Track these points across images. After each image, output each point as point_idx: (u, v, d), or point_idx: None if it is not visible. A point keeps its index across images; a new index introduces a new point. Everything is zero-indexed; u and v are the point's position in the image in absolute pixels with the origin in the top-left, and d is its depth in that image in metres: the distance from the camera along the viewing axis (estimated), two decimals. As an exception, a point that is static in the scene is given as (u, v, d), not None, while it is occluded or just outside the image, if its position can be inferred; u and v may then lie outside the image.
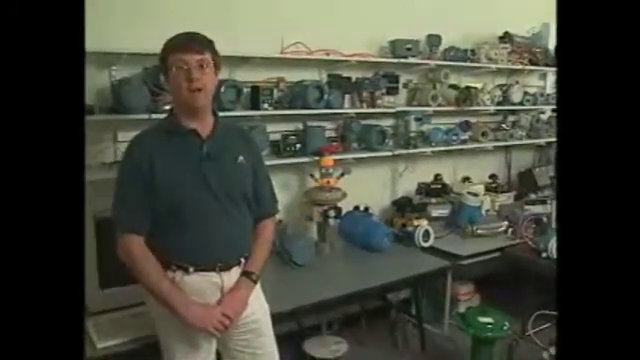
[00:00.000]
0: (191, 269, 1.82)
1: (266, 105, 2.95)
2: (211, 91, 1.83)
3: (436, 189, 3.72)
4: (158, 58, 1.82)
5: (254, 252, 1.96)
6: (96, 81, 2.59)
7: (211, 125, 1.87)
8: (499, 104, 4.00)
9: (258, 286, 1.98)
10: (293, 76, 3.17)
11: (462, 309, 3.62)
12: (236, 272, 1.90)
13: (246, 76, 2.97)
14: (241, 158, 1.91)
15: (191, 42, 1.76)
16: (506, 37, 4.06)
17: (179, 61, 1.73)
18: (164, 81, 1.85)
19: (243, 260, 1.93)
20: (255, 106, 2.94)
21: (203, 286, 1.84)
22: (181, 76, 1.74)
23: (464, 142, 3.86)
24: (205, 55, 1.76)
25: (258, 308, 1.98)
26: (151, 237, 1.82)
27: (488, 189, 4.10)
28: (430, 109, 3.60)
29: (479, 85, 3.92)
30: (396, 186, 3.85)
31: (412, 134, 3.59)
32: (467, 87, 3.80)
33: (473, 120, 4.01)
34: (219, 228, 1.85)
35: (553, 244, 3.00)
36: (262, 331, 1.99)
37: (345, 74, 3.37)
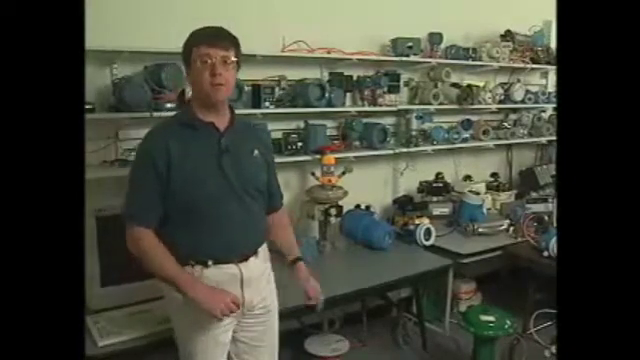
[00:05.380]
0: (210, 262, 1.84)
1: (267, 103, 2.95)
2: (232, 87, 1.87)
3: (437, 187, 3.71)
4: (182, 48, 1.83)
5: (286, 239, 2.15)
6: (97, 79, 2.59)
7: (228, 120, 1.90)
8: (501, 102, 3.99)
9: (273, 280, 2.06)
10: (294, 74, 3.16)
11: (463, 307, 3.63)
12: (253, 262, 1.93)
13: (247, 74, 2.96)
14: (256, 152, 1.95)
15: (218, 37, 1.79)
16: (508, 35, 4.05)
17: (204, 55, 1.75)
18: (185, 72, 1.85)
19: (260, 250, 1.97)
20: (256, 104, 2.93)
21: (223, 278, 1.85)
22: (205, 70, 1.75)
23: (465, 140, 3.85)
24: (230, 52, 1.79)
25: (272, 300, 2.04)
26: (168, 233, 1.82)
27: (489, 187, 4.10)
28: (431, 107, 3.60)
29: (481, 83, 3.91)
30: (397, 184, 3.84)
31: (413, 132, 3.59)
32: (469, 85, 3.79)
33: (474, 118, 4.00)
34: (237, 220, 1.87)
35: (554, 243, 2.99)
36: (271, 323, 2.05)
37: (346, 72, 3.36)
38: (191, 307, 1.80)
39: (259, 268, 1.96)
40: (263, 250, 2.00)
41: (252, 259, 1.92)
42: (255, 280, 1.93)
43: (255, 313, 1.96)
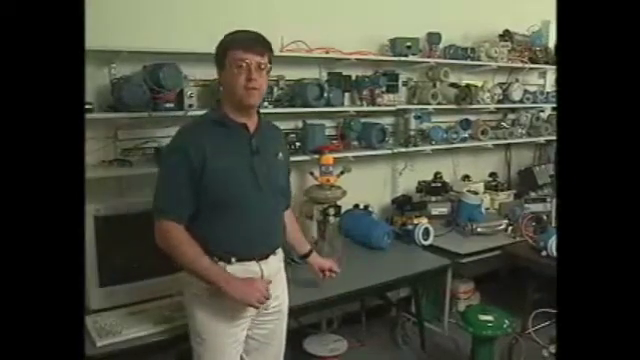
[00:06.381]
0: (233, 259, 1.87)
1: (266, 103, 2.94)
2: (265, 91, 1.91)
3: (436, 187, 3.71)
4: (215, 50, 1.86)
5: (298, 235, 2.31)
6: (96, 79, 2.58)
7: (256, 122, 1.93)
8: (499, 102, 3.99)
9: (285, 279, 2.10)
10: (293, 74, 3.16)
11: (462, 307, 3.64)
12: (272, 260, 1.98)
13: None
14: (280, 155, 2.02)
15: (255, 42, 1.81)
16: (506, 35, 4.05)
17: (240, 60, 1.78)
18: (217, 74, 1.89)
19: (278, 250, 2.02)
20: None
21: (244, 276, 1.88)
22: (240, 74, 1.79)
23: (464, 140, 3.85)
24: (265, 57, 1.82)
25: (284, 299, 2.08)
26: (194, 228, 1.85)
27: (488, 187, 4.11)
28: (430, 107, 3.59)
29: (479, 83, 3.92)
30: (396, 184, 3.85)
31: (412, 132, 3.59)
32: (467, 85, 3.80)
33: (473, 118, 4.00)
34: (262, 220, 1.92)
35: (553, 242, 3.00)
36: (282, 322, 2.08)
37: (345, 72, 3.36)
38: (214, 303, 1.85)
39: (277, 267, 2.02)
40: (279, 250, 2.05)
41: (271, 257, 1.97)
42: (273, 278, 1.97)
43: (269, 312, 2.00)
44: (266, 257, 1.94)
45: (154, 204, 1.85)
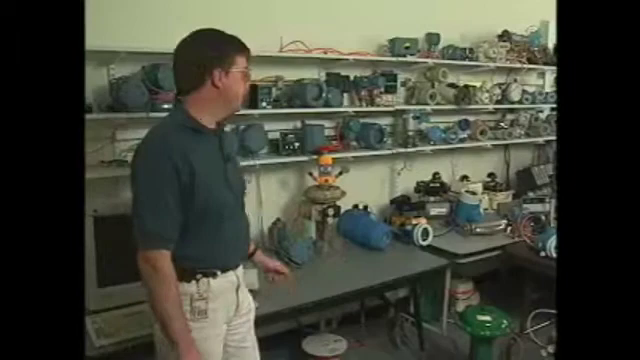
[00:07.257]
0: (218, 273, 1.77)
1: (264, 103, 2.94)
2: None
3: (435, 188, 3.72)
4: (218, 52, 1.68)
5: None
6: (94, 79, 2.58)
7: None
8: (498, 103, 4.00)
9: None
10: (292, 75, 3.16)
11: (461, 307, 3.64)
12: (242, 266, 1.92)
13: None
14: (237, 158, 1.97)
15: (247, 48, 1.76)
16: (505, 35, 4.06)
17: (246, 67, 1.74)
18: (218, 79, 1.67)
19: None
20: (253, 105, 2.93)
21: (225, 287, 1.81)
22: (244, 82, 1.75)
23: (463, 141, 3.86)
24: None
25: (250, 299, 2.01)
26: (177, 247, 1.67)
27: (487, 187, 4.11)
28: (429, 107, 3.60)
29: (478, 84, 3.92)
30: (395, 185, 3.85)
31: (411, 132, 3.59)
32: (466, 86, 3.80)
33: (472, 119, 4.00)
34: (240, 228, 1.87)
35: (552, 242, 3.00)
36: (251, 321, 2.01)
37: (344, 73, 3.37)
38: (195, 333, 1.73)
39: (242, 270, 1.95)
40: None
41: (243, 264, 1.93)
42: (243, 282, 1.93)
43: (242, 313, 1.94)
44: (239, 264, 1.88)
45: (138, 225, 1.61)
